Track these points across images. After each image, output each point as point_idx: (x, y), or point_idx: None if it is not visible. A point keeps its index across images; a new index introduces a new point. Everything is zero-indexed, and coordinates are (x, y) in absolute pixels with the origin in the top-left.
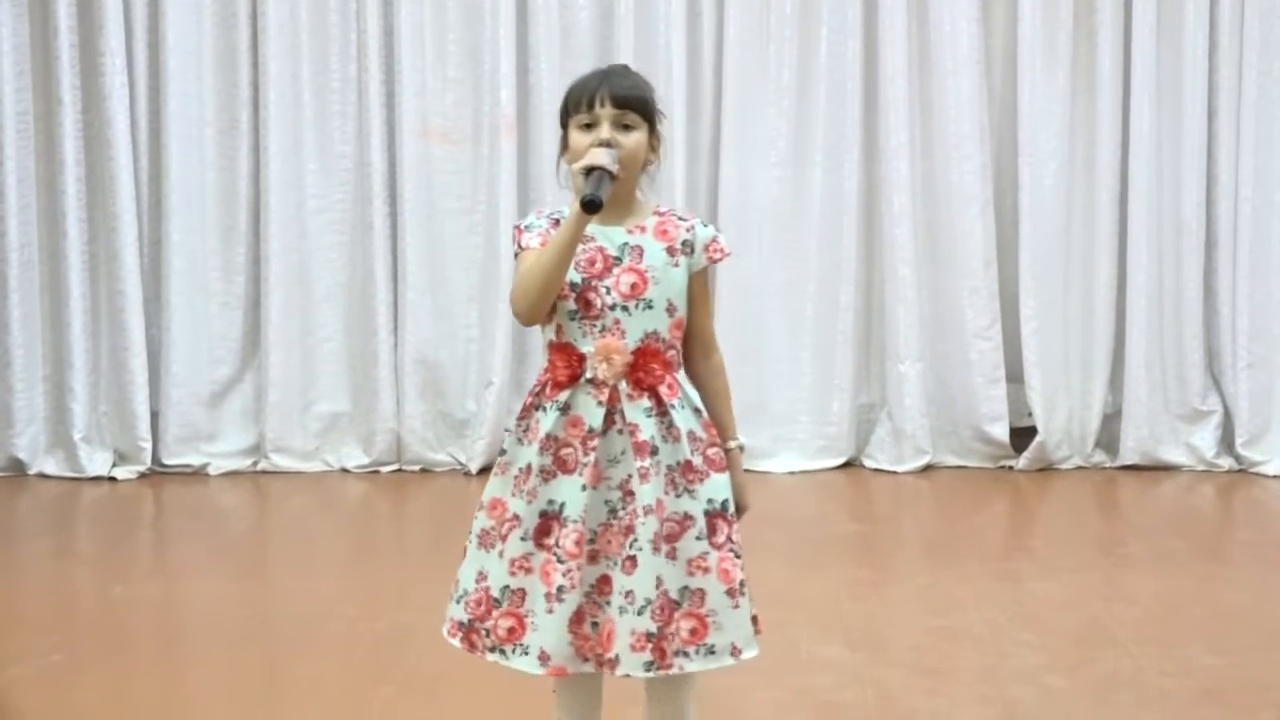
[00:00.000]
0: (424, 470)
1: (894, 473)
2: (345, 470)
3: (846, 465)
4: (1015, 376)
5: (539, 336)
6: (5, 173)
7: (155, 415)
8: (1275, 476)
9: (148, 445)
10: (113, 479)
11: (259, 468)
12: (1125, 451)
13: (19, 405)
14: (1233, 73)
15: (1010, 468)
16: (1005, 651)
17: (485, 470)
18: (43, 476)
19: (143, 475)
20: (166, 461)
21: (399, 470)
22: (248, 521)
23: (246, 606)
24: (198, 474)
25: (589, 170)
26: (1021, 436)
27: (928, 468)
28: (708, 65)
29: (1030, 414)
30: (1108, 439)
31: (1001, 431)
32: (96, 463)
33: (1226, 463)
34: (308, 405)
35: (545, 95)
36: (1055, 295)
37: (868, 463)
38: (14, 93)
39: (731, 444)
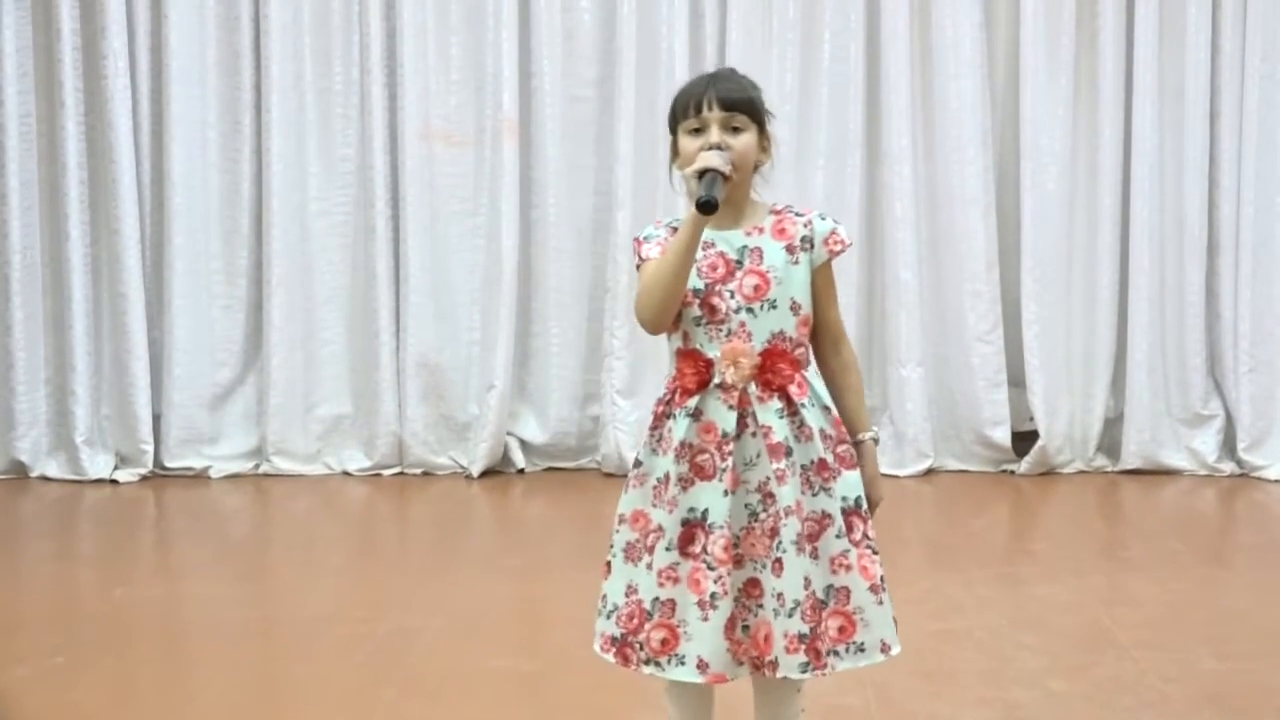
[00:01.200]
0: (425, 473)
1: (896, 476)
2: (347, 473)
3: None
4: (1017, 380)
5: (540, 340)
6: (8, 175)
7: (157, 418)
8: (1277, 481)
9: (149, 448)
10: (114, 482)
11: (261, 470)
12: (1127, 455)
13: (21, 408)
14: (1235, 76)
15: (1012, 472)
16: (1007, 655)
17: (487, 473)
18: (44, 479)
19: (144, 478)
20: (168, 464)
21: (400, 473)
22: (249, 524)
23: (248, 609)
24: (199, 477)
25: (702, 173)
26: (1023, 440)
27: (929, 471)
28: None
29: (1032, 418)
30: (1109, 443)
31: (1003, 435)
32: (98, 465)
33: (1228, 467)
34: (309, 408)
35: (547, 98)
36: (1057, 299)
37: None
38: (17, 95)
39: (864, 436)
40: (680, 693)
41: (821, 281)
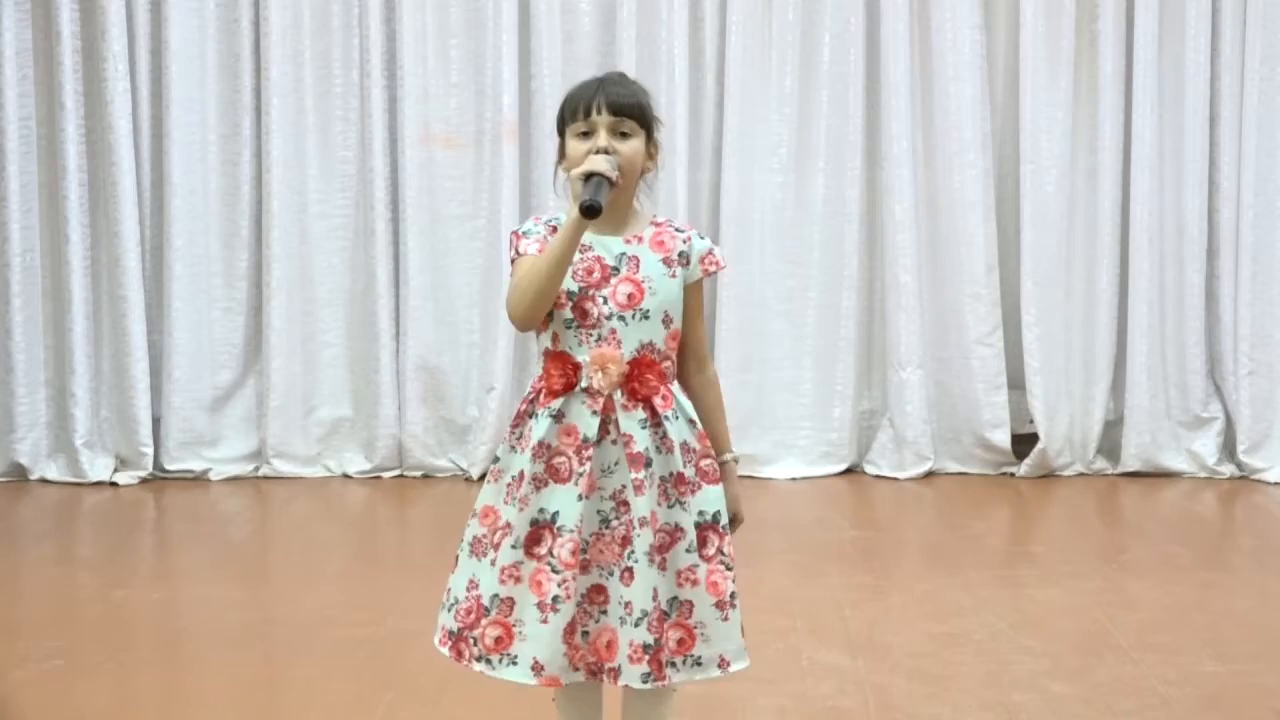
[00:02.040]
0: (425, 476)
1: (895, 479)
2: (347, 476)
3: (848, 472)
4: (1017, 383)
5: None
6: (8, 178)
7: (157, 420)
8: (1277, 483)
9: (149, 450)
10: (114, 484)
11: (260, 473)
12: (1127, 458)
13: (21, 410)
14: (1234, 80)
15: (1012, 474)
16: (1007, 658)
17: (486, 476)
18: (44, 482)
19: (144, 480)
20: (168, 467)
21: (400, 476)
22: (249, 527)
23: (248, 612)
24: (199, 479)
25: (588, 176)
26: (1023, 443)
27: (929, 474)
28: (710, 71)
29: (1032, 420)
30: (1109, 446)
31: (1003, 438)
32: (98, 468)
33: (1228, 469)
34: (309, 410)
35: (547, 101)
36: (1057, 302)
37: (869, 469)
38: (16, 97)
39: (726, 456)
40: (566, 698)
41: (692, 299)
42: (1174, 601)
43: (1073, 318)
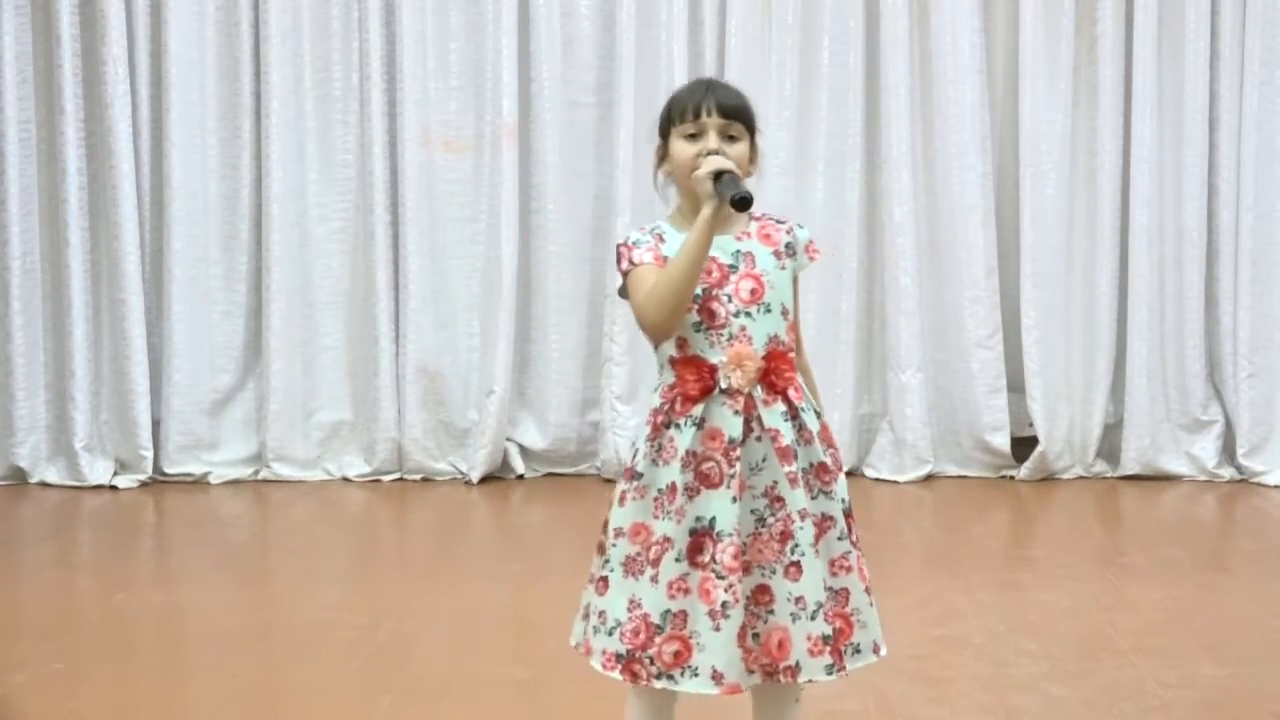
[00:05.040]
0: (425, 479)
1: (895, 482)
2: (346, 479)
3: (848, 475)
4: (1016, 386)
5: (539, 345)
6: (7, 181)
7: (156, 424)
8: (1276, 486)
9: (149, 454)
10: (114, 488)
11: (260, 476)
12: (1126, 461)
13: (20, 414)
14: (1234, 83)
15: (1011, 477)
16: (1006, 661)
17: (486, 480)
18: (44, 485)
19: (144, 484)
20: (168, 470)
21: (400, 479)
22: (249, 530)
23: (247, 615)
24: (199, 483)
25: (718, 175)
26: (1023, 446)
27: (929, 477)
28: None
29: (1031, 424)
30: (1109, 449)
31: (1003, 441)
32: (98, 471)
33: (1228, 473)
34: (309, 414)
35: (547, 104)
36: (1056, 305)
37: (869, 472)
38: (16, 101)
39: None
40: (642, 702)
41: (795, 288)
42: (1174, 605)
43: (1072, 321)
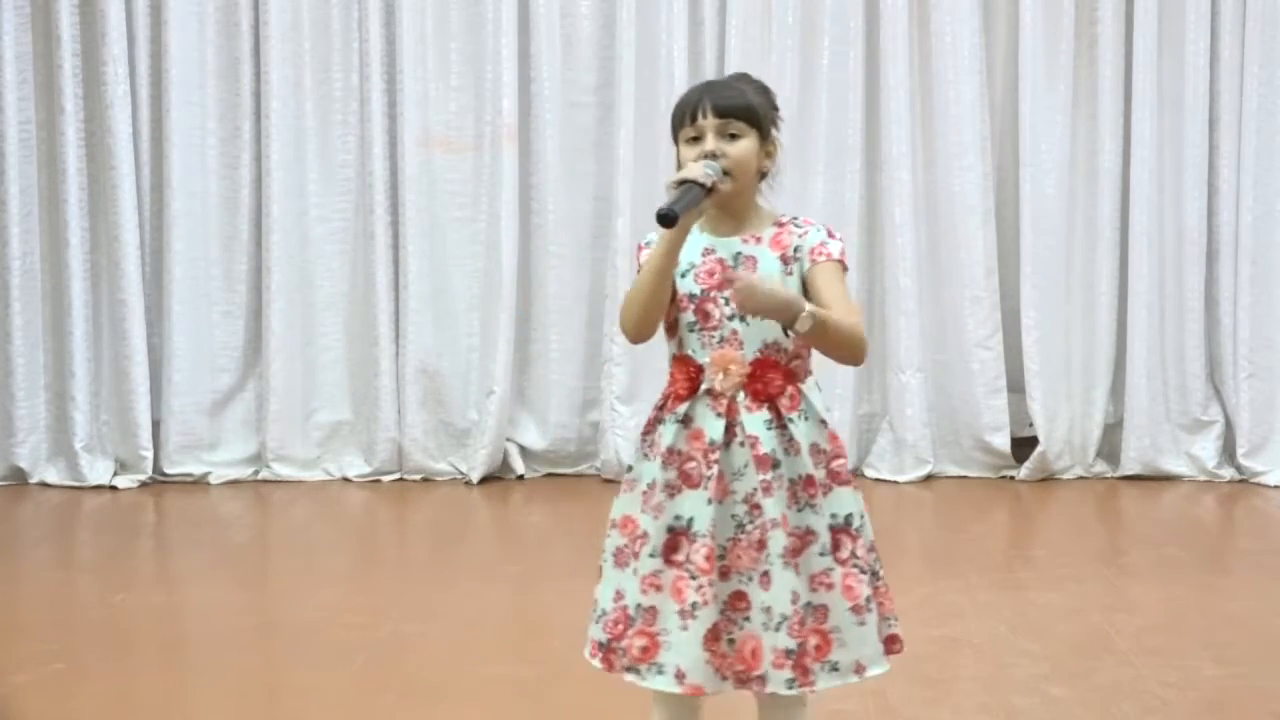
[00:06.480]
0: (425, 479)
1: (895, 482)
2: (346, 479)
3: None
4: (1016, 386)
5: (539, 346)
6: (7, 181)
7: (156, 424)
8: (1276, 487)
9: (149, 454)
10: (114, 488)
11: (260, 476)
12: (1126, 461)
13: (20, 414)
14: (1234, 82)
15: (1011, 477)
16: (1006, 661)
17: (486, 480)
18: (44, 485)
19: (144, 484)
20: (168, 470)
21: (400, 479)
22: (249, 530)
23: (248, 615)
24: (199, 483)
25: (680, 183)
26: (1023, 446)
27: (929, 477)
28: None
29: (1031, 424)
30: (1109, 449)
31: (1003, 441)
32: (98, 471)
33: (1228, 473)
34: (309, 414)
35: (547, 104)
36: (1057, 305)
37: (869, 472)
38: (16, 101)
39: (809, 308)
40: (666, 706)
41: (821, 283)
42: (1174, 605)
43: (1072, 321)
